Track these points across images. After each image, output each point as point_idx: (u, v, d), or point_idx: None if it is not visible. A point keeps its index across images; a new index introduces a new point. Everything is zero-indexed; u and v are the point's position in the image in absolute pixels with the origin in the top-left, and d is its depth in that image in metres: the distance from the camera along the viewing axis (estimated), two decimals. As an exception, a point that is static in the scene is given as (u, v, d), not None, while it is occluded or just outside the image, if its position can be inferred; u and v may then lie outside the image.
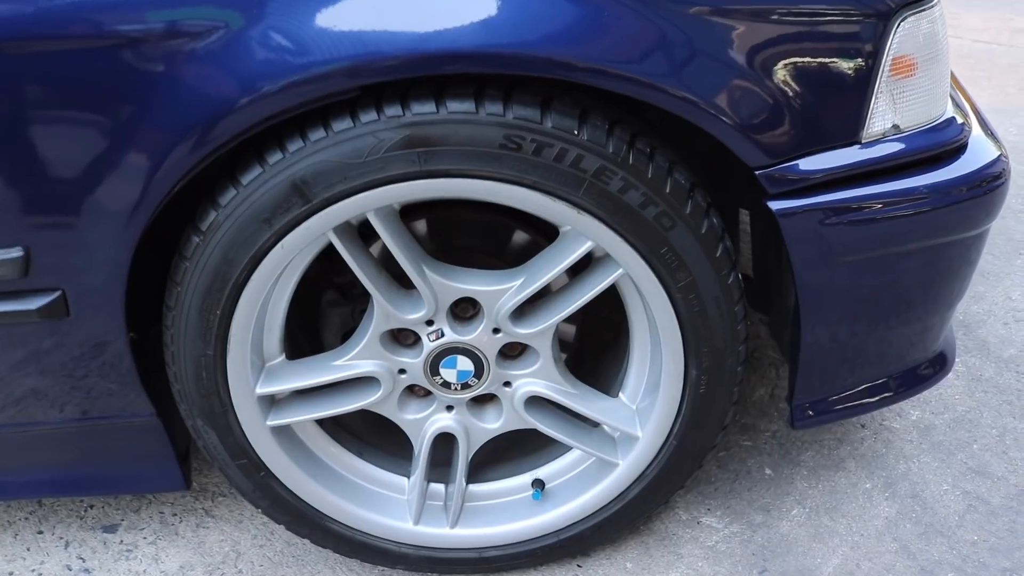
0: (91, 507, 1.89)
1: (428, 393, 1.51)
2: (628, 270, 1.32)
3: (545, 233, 1.51)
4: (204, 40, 1.16)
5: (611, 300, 1.76)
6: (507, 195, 1.25)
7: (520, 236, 1.54)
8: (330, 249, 1.35)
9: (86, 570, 1.77)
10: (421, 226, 1.51)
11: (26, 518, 1.89)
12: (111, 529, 1.84)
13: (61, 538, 1.84)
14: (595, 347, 1.76)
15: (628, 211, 1.26)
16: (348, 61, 1.16)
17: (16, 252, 1.30)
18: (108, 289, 1.34)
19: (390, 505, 1.60)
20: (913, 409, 1.94)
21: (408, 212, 1.46)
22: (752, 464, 1.84)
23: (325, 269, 1.52)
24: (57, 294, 1.34)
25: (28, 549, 1.83)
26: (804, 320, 1.42)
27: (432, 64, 1.16)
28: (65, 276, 1.33)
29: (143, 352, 1.46)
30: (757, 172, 1.30)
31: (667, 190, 1.27)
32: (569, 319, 1.68)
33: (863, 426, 1.90)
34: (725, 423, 1.49)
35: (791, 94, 1.26)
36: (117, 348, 1.40)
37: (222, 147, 1.22)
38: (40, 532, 1.86)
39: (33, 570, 1.78)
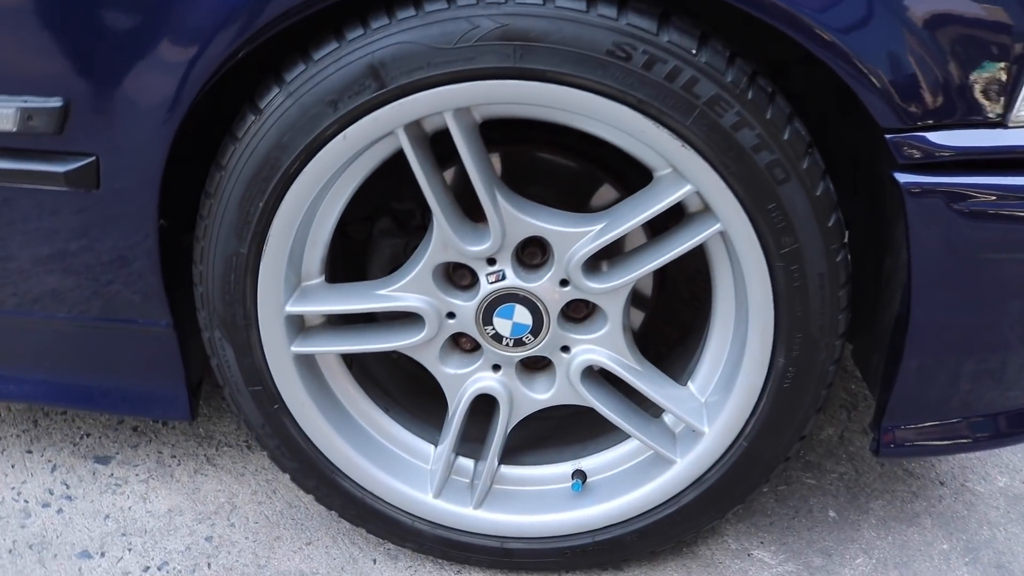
0: (87, 435, 1.74)
1: (475, 348, 1.35)
2: (726, 225, 1.16)
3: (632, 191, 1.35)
4: None
5: (683, 293, 1.60)
6: (605, 113, 1.10)
7: (604, 194, 1.39)
8: (388, 173, 1.22)
9: (68, 497, 1.61)
10: (495, 162, 1.36)
11: (18, 435, 1.74)
12: (103, 460, 1.69)
13: (50, 461, 1.69)
14: (662, 342, 1.59)
15: (738, 152, 1.10)
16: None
17: (55, 102, 1.17)
18: (144, 164, 1.20)
19: (410, 472, 1.42)
20: (1000, 475, 1.73)
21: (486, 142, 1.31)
22: (815, 504, 1.64)
23: (386, 195, 1.39)
24: (90, 159, 1.21)
25: (13, 466, 1.67)
26: (912, 326, 1.23)
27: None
28: (101, 142, 1.20)
29: (169, 257, 1.32)
30: (887, 136, 1.14)
31: (785, 137, 1.11)
32: (638, 305, 1.52)
33: (942, 483, 1.70)
34: (804, 432, 1.31)
35: (937, 57, 1.10)
36: (144, 233, 1.26)
37: (286, 16, 1.09)
38: (29, 451, 1.71)
39: (13, 487, 1.63)
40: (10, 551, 1.53)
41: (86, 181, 1.22)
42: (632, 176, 1.34)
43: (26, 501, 1.61)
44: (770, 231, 1.14)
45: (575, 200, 1.39)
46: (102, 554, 1.51)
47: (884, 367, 1.32)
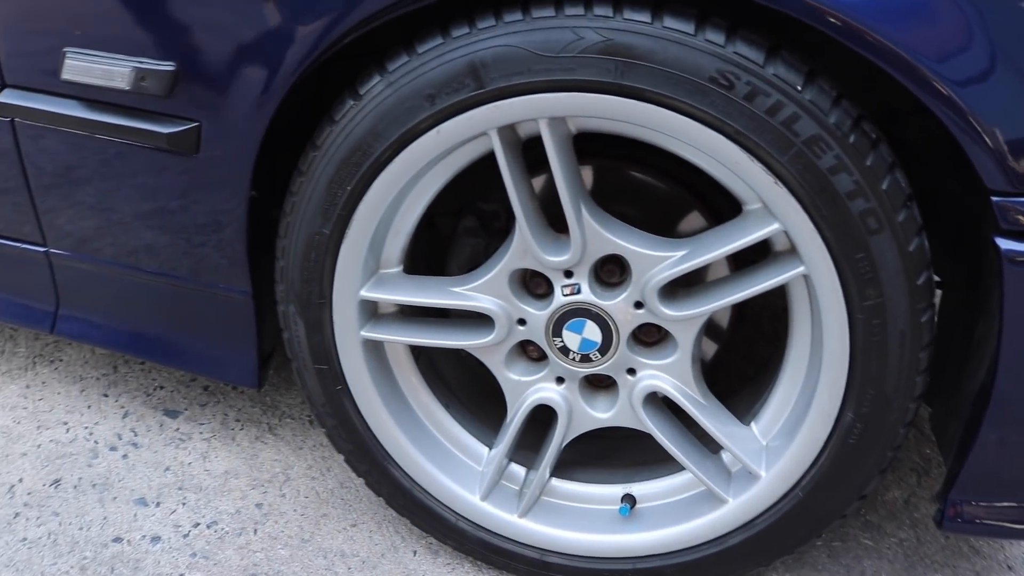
0: (161, 387, 1.80)
1: (541, 357, 1.34)
2: (810, 269, 1.13)
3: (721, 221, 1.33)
4: None
5: (763, 327, 1.57)
6: (701, 140, 1.08)
7: (693, 221, 1.37)
8: (480, 171, 1.22)
9: (134, 444, 1.66)
10: (586, 175, 1.35)
11: (98, 378, 1.81)
12: (172, 414, 1.74)
13: (123, 407, 1.75)
14: (733, 377, 1.56)
15: (832, 196, 1.07)
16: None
17: (168, 66, 1.21)
18: (243, 136, 1.23)
19: (461, 471, 1.42)
20: (1074, 568, 1.64)
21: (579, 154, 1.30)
22: (868, 566, 1.58)
23: (473, 193, 1.39)
24: (192, 124, 1.25)
25: (89, 407, 1.74)
26: (996, 397, 1.18)
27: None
28: (205, 110, 1.24)
29: (256, 228, 1.36)
30: (993, 199, 1.09)
31: (884, 187, 1.07)
32: (712, 336, 1.50)
33: (1010, 568, 1.62)
34: (865, 492, 1.26)
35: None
36: (235, 203, 1.30)
37: (392, 8, 1.11)
38: (105, 395, 1.77)
39: (86, 427, 1.69)
40: (75, 487, 1.59)
41: (187, 145, 1.26)
42: (723, 206, 1.31)
43: (96, 442, 1.67)
44: (855, 281, 1.11)
45: (662, 222, 1.38)
46: (158, 504, 1.56)
47: (960, 436, 1.26)
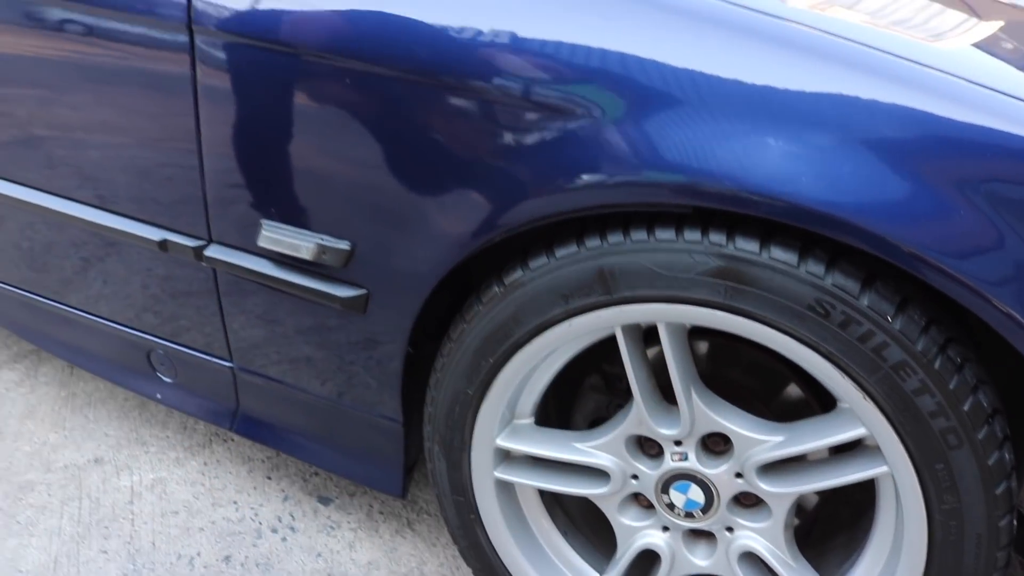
0: (316, 474, 2.04)
1: (650, 506, 1.51)
2: (894, 471, 1.26)
3: (820, 399, 1.46)
4: (568, 119, 1.23)
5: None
6: (799, 354, 1.23)
7: (795, 391, 1.51)
8: (610, 339, 1.40)
9: (292, 528, 1.91)
10: (702, 346, 1.51)
11: (263, 460, 2.08)
12: (325, 502, 1.98)
13: (283, 491, 2.00)
14: (829, 525, 1.68)
15: (915, 415, 1.20)
16: (685, 178, 1.19)
17: (344, 245, 1.44)
18: (404, 305, 1.45)
19: (573, 594, 1.61)
20: None
21: (695, 330, 1.46)
22: None
23: (599, 354, 1.57)
24: (362, 292, 1.47)
25: (255, 488, 2.00)
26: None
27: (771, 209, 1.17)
28: (375, 281, 1.46)
29: (411, 364, 1.57)
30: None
31: (965, 408, 1.19)
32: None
33: None
34: (941, 663, 1.37)
35: None
36: (393, 355, 1.52)
37: (556, 216, 1.29)
38: (269, 478, 2.03)
39: (252, 508, 1.95)
40: (242, 564, 1.84)
41: (357, 307, 1.49)
42: (821, 389, 1.45)
43: (260, 523, 1.93)
44: (934, 487, 1.23)
45: (769, 393, 1.52)
46: (310, 587, 1.80)
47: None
